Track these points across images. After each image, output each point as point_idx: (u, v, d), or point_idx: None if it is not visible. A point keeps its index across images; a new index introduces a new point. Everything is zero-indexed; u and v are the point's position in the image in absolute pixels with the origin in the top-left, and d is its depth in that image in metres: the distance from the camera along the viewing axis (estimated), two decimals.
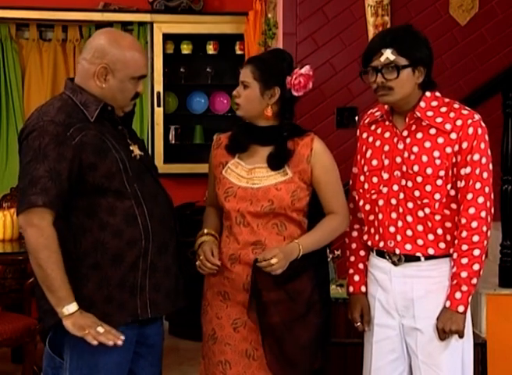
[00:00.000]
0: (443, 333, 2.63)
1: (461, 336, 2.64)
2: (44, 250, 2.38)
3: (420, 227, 2.66)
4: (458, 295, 2.61)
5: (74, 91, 2.53)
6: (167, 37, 5.98)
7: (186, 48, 6.09)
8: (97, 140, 2.46)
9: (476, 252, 2.60)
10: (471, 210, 2.60)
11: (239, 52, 5.99)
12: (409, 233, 2.67)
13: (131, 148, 2.58)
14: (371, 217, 2.76)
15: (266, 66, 2.74)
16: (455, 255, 2.62)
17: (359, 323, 2.82)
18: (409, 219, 2.66)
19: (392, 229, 2.70)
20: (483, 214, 2.60)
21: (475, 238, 2.59)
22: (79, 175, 2.44)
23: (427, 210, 2.64)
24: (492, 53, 4.65)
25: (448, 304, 2.63)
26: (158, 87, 5.94)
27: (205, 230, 2.82)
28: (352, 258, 2.87)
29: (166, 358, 2.97)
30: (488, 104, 4.02)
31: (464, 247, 2.60)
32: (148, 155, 2.75)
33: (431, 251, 2.67)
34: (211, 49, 6.09)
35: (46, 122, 2.43)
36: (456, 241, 2.63)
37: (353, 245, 2.87)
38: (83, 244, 2.47)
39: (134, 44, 2.56)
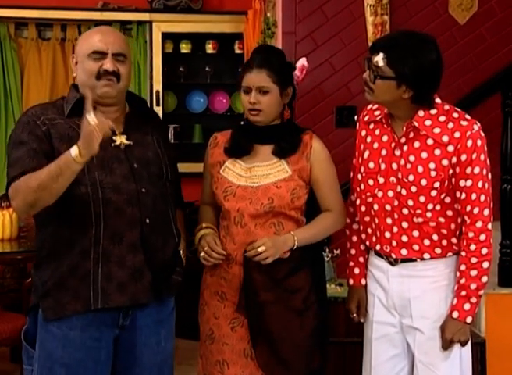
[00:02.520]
0: (449, 343, 2.63)
1: (465, 345, 2.65)
2: (30, 187, 2.41)
3: (415, 233, 2.65)
4: (467, 306, 2.60)
5: (69, 91, 2.67)
6: (166, 36, 5.97)
7: (185, 47, 6.08)
8: (65, 129, 2.56)
9: (485, 265, 2.61)
10: (479, 224, 2.59)
11: (238, 51, 5.98)
12: (404, 238, 2.67)
13: (114, 138, 2.57)
14: (367, 218, 2.75)
15: (278, 68, 2.72)
16: (463, 267, 2.61)
17: (355, 314, 2.85)
18: (404, 225, 2.66)
19: (387, 234, 2.69)
20: (489, 226, 2.61)
21: (484, 251, 2.60)
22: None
23: (420, 219, 2.63)
24: (491, 52, 4.64)
25: (456, 315, 2.62)
26: (157, 86, 5.93)
27: (203, 224, 2.80)
28: (353, 251, 2.87)
29: None
30: (487, 103, 4.02)
31: (474, 259, 2.59)
32: (148, 151, 2.68)
33: (426, 256, 2.67)
34: (210, 48, 6.09)
35: (22, 116, 2.65)
36: (464, 253, 2.62)
37: (354, 238, 2.87)
38: (44, 233, 2.56)
39: (94, 29, 2.73)
